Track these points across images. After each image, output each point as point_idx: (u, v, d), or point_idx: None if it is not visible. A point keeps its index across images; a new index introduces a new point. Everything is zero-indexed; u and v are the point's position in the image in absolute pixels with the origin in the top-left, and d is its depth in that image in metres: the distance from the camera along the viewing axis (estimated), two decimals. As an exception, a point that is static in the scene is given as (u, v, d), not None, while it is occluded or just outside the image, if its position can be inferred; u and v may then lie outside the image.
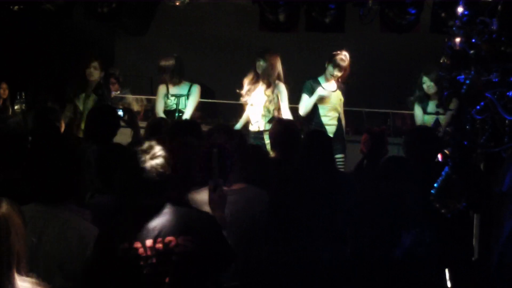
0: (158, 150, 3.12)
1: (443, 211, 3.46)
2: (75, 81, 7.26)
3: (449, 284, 5.04)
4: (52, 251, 3.19)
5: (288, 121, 5.39)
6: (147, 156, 3.09)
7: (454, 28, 3.64)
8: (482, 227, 5.65)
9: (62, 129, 6.44)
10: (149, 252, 3.07)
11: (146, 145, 3.13)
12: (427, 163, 4.77)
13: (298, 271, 3.51)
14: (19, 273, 2.59)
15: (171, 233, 3.10)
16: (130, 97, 9.09)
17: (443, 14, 6.43)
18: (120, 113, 7.09)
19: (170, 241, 3.09)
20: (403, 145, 5.30)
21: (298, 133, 5.20)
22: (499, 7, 3.55)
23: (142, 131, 6.22)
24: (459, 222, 4.73)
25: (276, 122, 5.58)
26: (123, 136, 7.06)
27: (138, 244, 3.07)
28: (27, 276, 2.62)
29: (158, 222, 3.11)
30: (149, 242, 3.08)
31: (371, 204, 3.37)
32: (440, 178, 3.45)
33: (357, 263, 3.37)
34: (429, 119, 6.86)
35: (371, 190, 3.50)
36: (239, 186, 3.95)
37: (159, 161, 3.10)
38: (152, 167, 3.08)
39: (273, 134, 5.41)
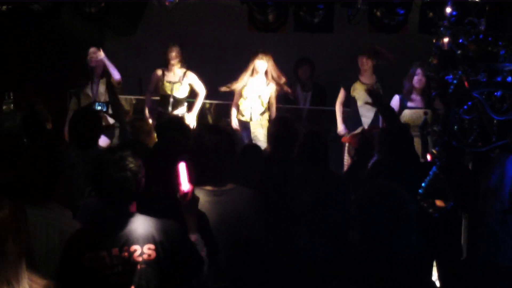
0: (128, 162, 3.13)
1: (430, 211, 3.46)
2: (81, 76, 7.47)
3: (438, 283, 5.06)
4: (36, 249, 3.22)
5: (288, 119, 5.39)
6: (116, 168, 3.11)
7: (442, 29, 3.66)
8: (470, 227, 5.67)
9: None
10: (115, 261, 3.10)
11: (117, 155, 3.14)
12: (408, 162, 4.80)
13: (287, 270, 3.51)
14: (30, 272, 2.61)
15: (136, 242, 3.12)
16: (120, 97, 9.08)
17: (431, 14, 6.46)
18: (100, 107, 7.18)
19: (135, 250, 3.11)
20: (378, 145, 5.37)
21: (296, 131, 5.21)
22: (487, 7, 3.56)
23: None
24: (447, 222, 4.75)
25: (276, 119, 5.61)
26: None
27: (104, 253, 3.09)
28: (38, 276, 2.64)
29: (124, 231, 3.13)
30: (115, 251, 3.10)
31: (362, 205, 3.37)
32: (428, 178, 3.46)
33: (344, 262, 3.37)
34: None
35: (362, 190, 3.50)
36: (228, 186, 3.95)
37: (127, 174, 3.11)
38: (119, 179, 3.10)
39: (271, 131, 5.41)
